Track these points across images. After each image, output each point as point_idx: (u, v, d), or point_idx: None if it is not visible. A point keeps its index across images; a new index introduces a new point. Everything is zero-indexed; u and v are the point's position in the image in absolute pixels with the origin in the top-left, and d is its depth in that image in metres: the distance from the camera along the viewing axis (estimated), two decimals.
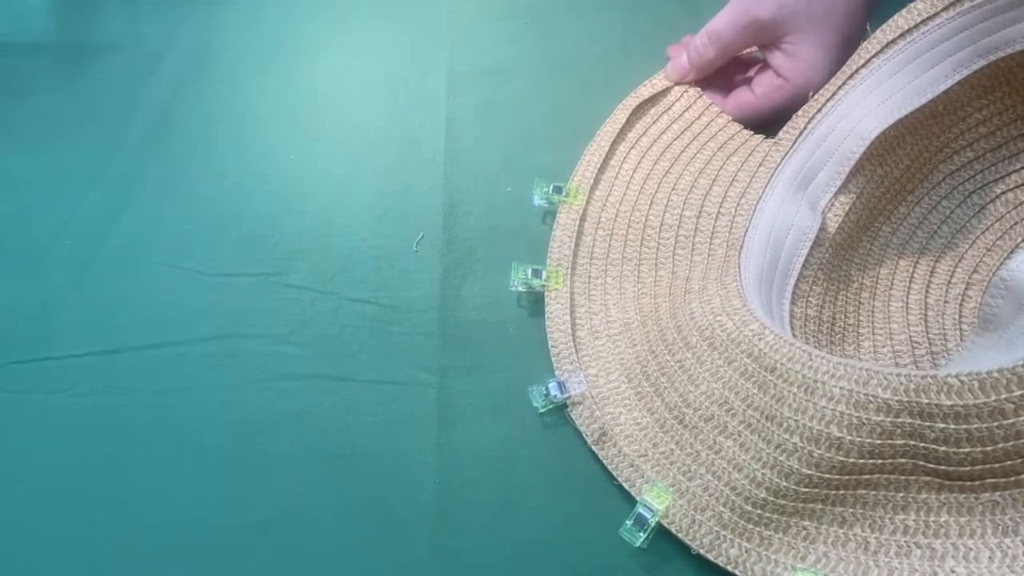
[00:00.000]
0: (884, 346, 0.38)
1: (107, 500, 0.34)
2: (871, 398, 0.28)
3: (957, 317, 0.39)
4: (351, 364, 0.38)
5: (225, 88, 0.50)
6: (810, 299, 0.38)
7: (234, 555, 0.33)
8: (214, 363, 0.38)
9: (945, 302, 0.39)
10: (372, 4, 0.54)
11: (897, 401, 0.28)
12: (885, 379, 0.28)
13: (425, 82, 0.50)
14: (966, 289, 0.39)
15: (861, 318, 0.39)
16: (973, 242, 0.40)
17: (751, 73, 0.45)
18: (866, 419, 0.28)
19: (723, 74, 0.45)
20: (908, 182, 0.40)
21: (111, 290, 0.41)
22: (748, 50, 0.45)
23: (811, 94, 0.40)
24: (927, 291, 0.40)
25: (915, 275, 0.40)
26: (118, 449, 0.36)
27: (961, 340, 0.38)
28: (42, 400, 0.37)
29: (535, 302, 0.40)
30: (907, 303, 0.40)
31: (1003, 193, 0.40)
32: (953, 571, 0.27)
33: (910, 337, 0.39)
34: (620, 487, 0.34)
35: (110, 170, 0.46)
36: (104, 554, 0.33)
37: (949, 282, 0.40)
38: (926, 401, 0.27)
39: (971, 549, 0.28)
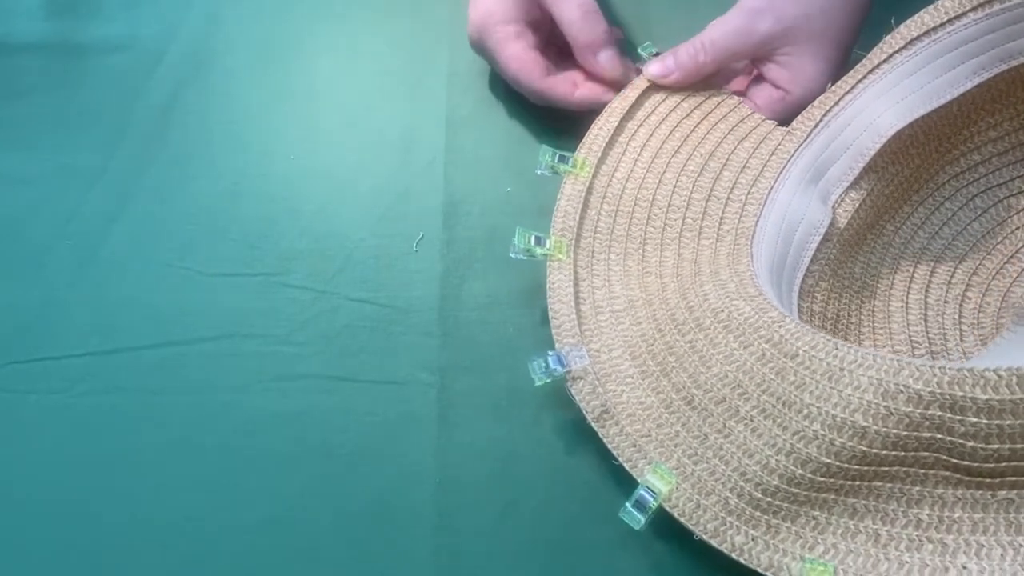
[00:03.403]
0: (884, 346, 0.38)
1: (107, 500, 0.34)
2: (902, 388, 0.28)
3: (957, 317, 0.39)
4: (351, 364, 0.38)
5: (225, 88, 0.50)
6: (815, 295, 0.37)
7: (234, 555, 0.33)
8: (214, 363, 0.38)
9: (945, 302, 0.39)
10: (372, 4, 0.54)
11: (929, 393, 0.27)
12: (917, 370, 0.28)
13: (425, 82, 0.50)
14: (966, 290, 0.39)
15: (863, 317, 0.39)
16: (974, 245, 0.40)
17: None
18: (894, 409, 0.28)
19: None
20: (915, 182, 0.40)
21: (111, 290, 0.41)
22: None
23: (829, 84, 0.39)
24: (927, 291, 0.40)
25: (915, 275, 0.40)
26: (118, 449, 0.36)
27: (961, 340, 0.38)
28: (42, 400, 0.37)
29: (536, 301, 0.40)
30: (907, 303, 0.40)
31: (1006, 198, 0.40)
32: (965, 567, 0.27)
33: (909, 337, 0.39)
34: (620, 487, 0.34)
35: (110, 170, 0.46)
36: (104, 554, 0.33)
37: (949, 283, 0.40)
38: (960, 394, 0.27)
39: (983, 546, 0.27)
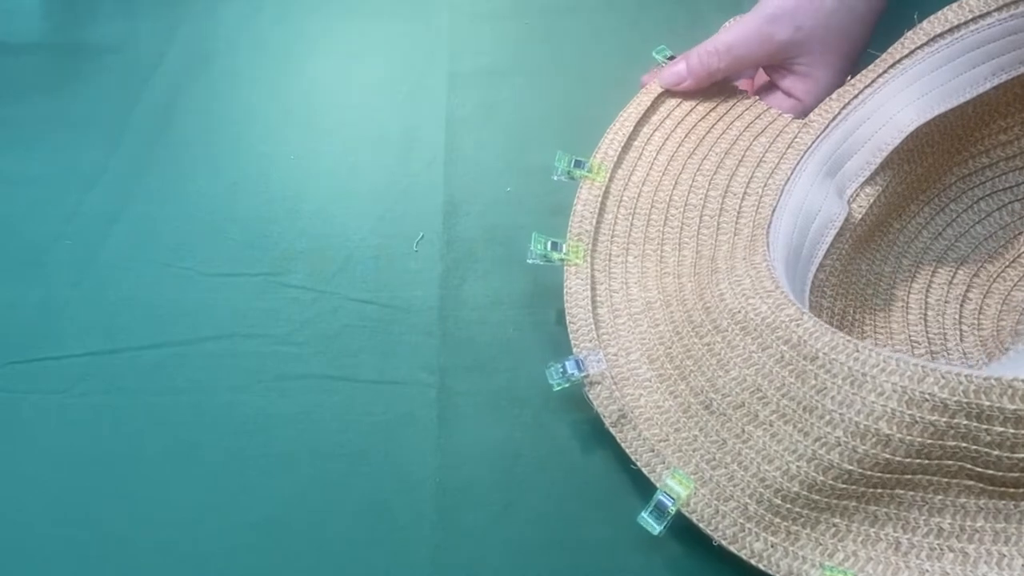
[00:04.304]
0: (884, 344, 0.38)
1: (107, 500, 0.34)
2: (927, 396, 0.27)
3: (957, 318, 0.39)
4: (351, 364, 0.38)
5: (225, 88, 0.50)
6: (825, 290, 0.37)
7: (234, 555, 0.33)
8: (214, 363, 0.38)
9: (945, 302, 0.39)
10: (372, 4, 0.54)
11: (955, 401, 0.27)
12: (943, 377, 0.27)
13: (425, 82, 0.50)
14: (967, 291, 0.39)
15: (865, 315, 0.39)
16: (976, 247, 0.40)
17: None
18: (919, 417, 0.28)
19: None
20: (924, 182, 0.40)
21: (111, 290, 0.41)
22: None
23: (849, 77, 0.39)
24: (928, 291, 0.40)
25: (917, 275, 0.40)
26: (118, 449, 0.36)
27: (960, 341, 0.38)
28: (42, 400, 0.37)
29: (536, 302, 0.40)
30: (907, 302, 0.40)
31: (1010, 203, 0.40)
32: None
33: (909, 337, 0.39)
34: (621, 487, 0.34)
35: (110, 170, 0.46)
36: (104, 554, 0.33)
37: (950, 283, 0.40)
38: (987, 403, 0.27)
39: (1004, 556, 0.27)
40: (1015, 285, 0.39)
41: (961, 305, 0.39)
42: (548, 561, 0.33)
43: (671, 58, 0.44)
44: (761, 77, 0.45)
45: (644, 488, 0.33)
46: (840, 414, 0.29)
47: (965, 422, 0.27)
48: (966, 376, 0.27)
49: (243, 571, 0.33)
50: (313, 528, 0.34)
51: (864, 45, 0.42)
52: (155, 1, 0.55)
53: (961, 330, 0.39)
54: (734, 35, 0.41)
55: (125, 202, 0.44)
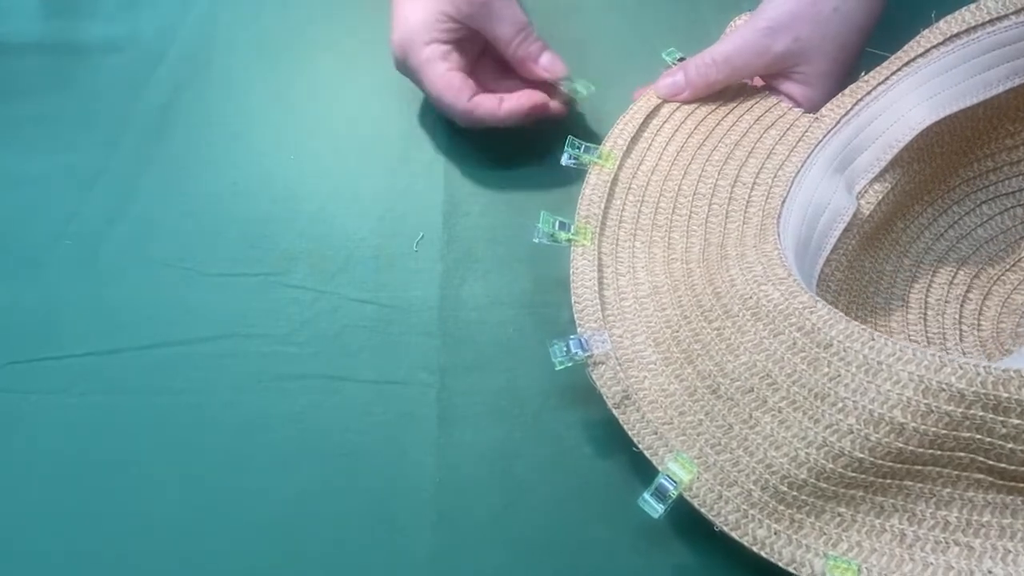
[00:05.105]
0: None
1: (107, 500, 0.34)
2: (944, 386, 0.27)
3: (957, 318, 0.39)
4: (351, 364, 0.38)
5: (225, 88, 0.50)
6: (829, 284, 0.37)
7: (234, 555, 0.33)
8: (214, 363, 0.38)
9: (945, 302, 0.39)
10: (372, 4, 0.54)
11: (973, 392, 0.27)
12: (960, 368, 0.27)
13: None
14: (967, 292, 0.39)
15: (866, 312, 0.39)
16: (976, 250, 0.40)
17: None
18: (935, 407, 0.28)
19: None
20: (930, 182, 0.40)
21: (111, 290, 0.41)
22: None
23: (863, 73, 0.39)
24: (928, 291, 0.40)
25: (918, 274, 0.40)
26: (118, 449, 0.36)
27: (960, 341, 0.38)
28: (42, 400, 0.37)
29: (536, 301, 0.40)
30: (907, 301, 0.40)
31: (1012, 208, 0.40)
32: (991, 572, 0.27)
33: (908, 336, 0.39)
34: (621, 486, 0.34)
35: (110, 170, 0.46)
36: (103, 554, 0.33)
37: (951, 283, 0.40)
38: (1005, 395, 0.26)
39: (1010, 551, 0.27)
40: (1015, 288, 0.39)
41: (961, 305, 0.39)
42: (548, 561, 0.33)
43: (681, 59, 0.44)
44: (759, 80, 0.45)
45: (646, 486, 0.33)
46: (854, 402, 0.29)
47: (981, 413, 0.27)
48: (984, 367, 0.27)
49: (243, 571, 0.33)
50: (313, 528, 0.34)
51: (859, 52, 0.42)
52: (155, 1, 0.55)
53: (961, 330, 0.39)
54: (732, 46, 0.41)
55: (125, 202, 0.44)
